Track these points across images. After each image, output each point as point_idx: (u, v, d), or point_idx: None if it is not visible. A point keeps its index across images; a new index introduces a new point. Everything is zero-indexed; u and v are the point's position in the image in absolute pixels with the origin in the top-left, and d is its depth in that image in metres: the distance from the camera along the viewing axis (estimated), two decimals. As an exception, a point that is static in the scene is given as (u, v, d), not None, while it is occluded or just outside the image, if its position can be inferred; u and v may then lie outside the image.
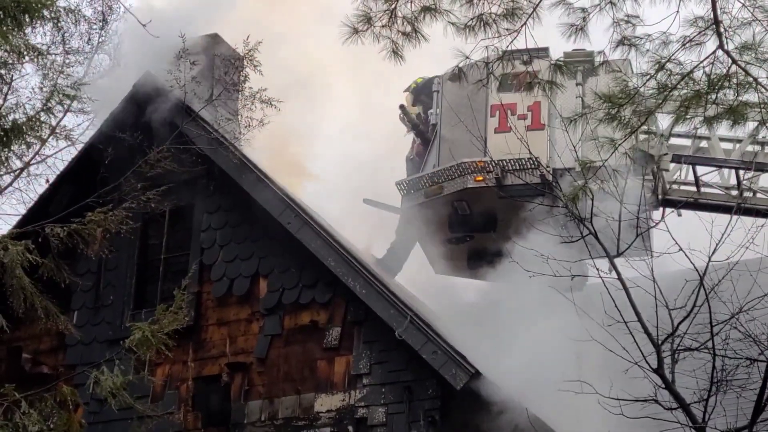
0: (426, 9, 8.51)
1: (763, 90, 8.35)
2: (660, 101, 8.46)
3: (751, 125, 9.53)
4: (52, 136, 11.92)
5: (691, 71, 8.25)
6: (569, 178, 11.43)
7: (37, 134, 11.66)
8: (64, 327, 12.87)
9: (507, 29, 8.63)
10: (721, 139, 12.35)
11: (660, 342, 10.92)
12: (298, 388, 13.10)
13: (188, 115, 13.95)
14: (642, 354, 11.04)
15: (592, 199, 10.90)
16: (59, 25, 11.82)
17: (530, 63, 11.11)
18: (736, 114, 8.35)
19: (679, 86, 8.32)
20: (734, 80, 8.22)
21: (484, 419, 12.90)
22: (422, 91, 14.27)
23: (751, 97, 8.51)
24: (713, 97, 8.22)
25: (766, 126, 8.76)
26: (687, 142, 12.71)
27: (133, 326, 11.79)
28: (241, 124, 14.36)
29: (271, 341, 13.45)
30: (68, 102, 11.89)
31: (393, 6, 8.40)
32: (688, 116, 8.54)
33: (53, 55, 12.18)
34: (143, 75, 14.49)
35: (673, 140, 11.96)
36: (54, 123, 11.93)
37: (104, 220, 11.92)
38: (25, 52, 11.35)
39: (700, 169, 12.55)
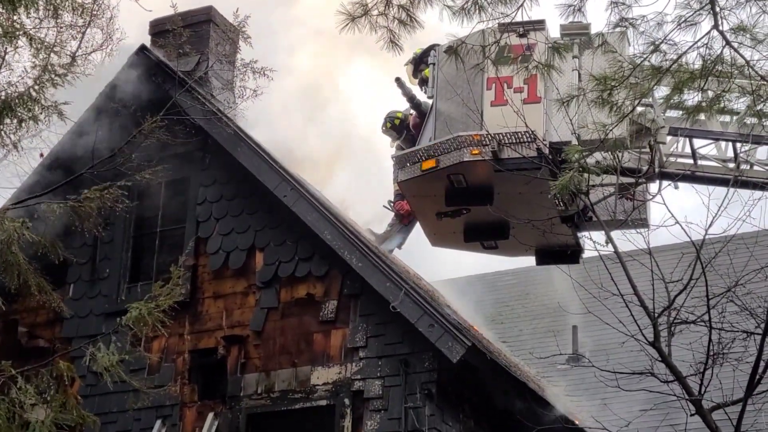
0: (422, -8, 8.44)
1: (754, 72, 8.27)
2: (652, 84, 8.41)
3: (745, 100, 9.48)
4: (44, 111, 11.79)
5: (685, 52, 8.19)
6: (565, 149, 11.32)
7: (29, 110, 11.56)
8: (56, 305, 12.84)
9: (502, 13, 8.55)
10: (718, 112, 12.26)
11: (656, 315, 10.90)
12: (294, 361, 13.10)
13: (182, 87, 13.88)
14: (638, 327, 11.03)
15: (588, 173, 10.84)
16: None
17: (526, 36, 11.06)
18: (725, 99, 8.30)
19: (672, 69, 8.26)
20: (726, 63, 8.14)
21: (480, 392, 12.92)
22: (423, 60, 14.16)
23: (743, 79, 8.44)
24: (703, 82, 8.15)
25: (755, 111, 8.71)
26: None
27: (130, 305, 11.77)
28: (235, 95, 14.29)
29: (267, 314, 13.43)
30: (59, 78, 11.76)
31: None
32: (681, 99, 8.50)
33: (46, 29, 12.00)
34: (138, 48, 14.45)
35: (670, 113, 11.86)
36: (46, 98, 11.79)
37: (100, 198, 11.86)
38: (17, 33, 11.24)
39: (697, 142, 12.47)
